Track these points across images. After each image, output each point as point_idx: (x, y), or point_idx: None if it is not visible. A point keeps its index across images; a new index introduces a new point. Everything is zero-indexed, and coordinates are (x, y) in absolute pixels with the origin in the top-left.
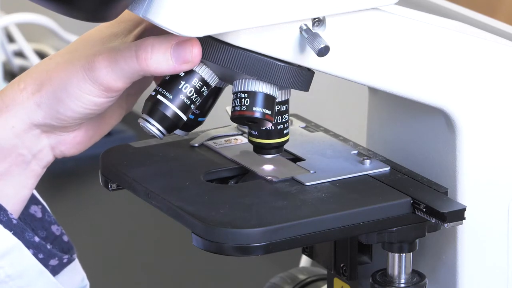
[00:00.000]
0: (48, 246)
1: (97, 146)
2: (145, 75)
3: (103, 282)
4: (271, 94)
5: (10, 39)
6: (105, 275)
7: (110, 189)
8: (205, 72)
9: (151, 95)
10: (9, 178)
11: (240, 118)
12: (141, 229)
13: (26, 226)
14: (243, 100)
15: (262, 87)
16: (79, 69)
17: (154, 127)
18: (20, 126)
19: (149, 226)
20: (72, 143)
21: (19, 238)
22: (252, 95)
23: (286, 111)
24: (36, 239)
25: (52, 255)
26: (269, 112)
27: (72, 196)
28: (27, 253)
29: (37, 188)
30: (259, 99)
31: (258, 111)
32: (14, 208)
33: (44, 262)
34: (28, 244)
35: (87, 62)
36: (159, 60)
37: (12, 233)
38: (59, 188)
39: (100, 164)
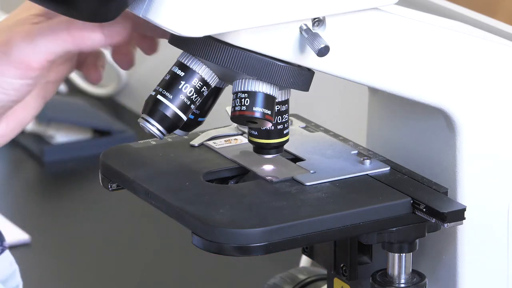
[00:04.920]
0: None
1: (97, 146)
2: (72, 51)
3: (103, 282)
4: (271, 94)
5: None
6: (105, 275)
7: (110, 189)
8: (205, 72)
9: (151, 95)
10: None
11: (240, 118)
12: (141, 229)
13: None
14: (243, 100)
15: (262, 87)
16: None
17: (154, 127)
18: None
19: (149, 226)
20: None
21: None
22: (252, 95)
23: (286, 111)
24: None
25: None
26: (269, 112)
27: (72, 196)
28: None
29: (38, 188)
30: (259, 99)
31: (258, 111)
32: None
33: None
34: None
35: (3, 42)
36: (91, 33)
37: None
38: (59, 188)
39: (100, 164)
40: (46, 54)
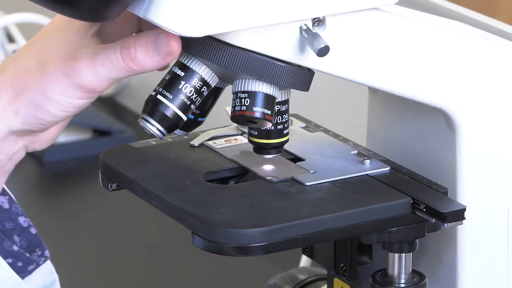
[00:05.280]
0: (27, 255)
1: (97, 146)
2: (132, 75)
3: (103, 282)
4: (271, 94)
5: (10, 39)
6: (105, 275)
7: (110, 189)
8: (205, 72)
9: (151, 95)
10: None
11: (240, 118)
12: (141, 229)
13: None
14: (243, 100)
15: (262, 87)
16: (57, 74)
17: (154, 127)
18: None
19: (149, 226)
20: (45, 139)
21: None
22: (252, 95)
23: (286, 111)
24: (15, 247)
25: (31, 261)
26: (269, 112)
27: (72, 196)
28: (4, 266)
29: (38, 188)
30: (259, 99)
31: (258, 111)
32: None
33: (23, 268)
34: (7, 253)
35: (67, 66)
36: (144, 57)
37: None
38: (60, 188)
39: (100, 164)
40: (107, 80)
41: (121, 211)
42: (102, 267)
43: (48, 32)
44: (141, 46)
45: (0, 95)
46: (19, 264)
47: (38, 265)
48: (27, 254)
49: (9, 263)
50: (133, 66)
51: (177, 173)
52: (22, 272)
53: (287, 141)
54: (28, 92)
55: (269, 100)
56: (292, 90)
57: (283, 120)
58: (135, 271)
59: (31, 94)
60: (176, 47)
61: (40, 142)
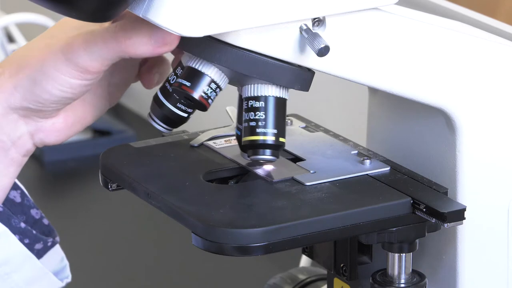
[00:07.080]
0: (33, 232)
1: (97, 146)
2: (124, 57)
3: (103, 282)
4: (202, 71)
5: (10, 39)
6: (105, 275)
7: (110, 189)
8: (214, 73)
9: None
10: None
11: (175, 91)
12: (141, 229)
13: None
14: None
15: (193, 63)
16: (57, 51)
17: (157, 124)
18: None
19: (149, 226)
20: (51, 130)
21: (5, 225)
22: (185, 68)
23: (259, 109)
24: (22, 225)
25: (38, 239)
26: (188, 84)
27: (72, 196)
28: (14, 239)
29: (38, 188)
30: (188, 72)
31: (182, 82)
32: None
33: (30, 246)
34: (14, 230)
35: (66, 43)
36: (138, 42)
37: None
38: (60, 188)
39: (100, 164)
40: (101, 61)
41: (121, 211)
42: (102, 267)
43: (63, 21)
44: (139, 31)
45: (3, 71)
46: (26, 241)
47: (46, 246)
48: (34, 231)
49: None
50: (125, 48)
51: (177, 173)
52: (30, 250)
53: (257, 140)
54: (28, 68)
55: (196, 76)
56: (291, 90)
57: (256, 117)
58: (135, 271)
59: (30, 70)
60: (174, 40)
61: (45, 132)
